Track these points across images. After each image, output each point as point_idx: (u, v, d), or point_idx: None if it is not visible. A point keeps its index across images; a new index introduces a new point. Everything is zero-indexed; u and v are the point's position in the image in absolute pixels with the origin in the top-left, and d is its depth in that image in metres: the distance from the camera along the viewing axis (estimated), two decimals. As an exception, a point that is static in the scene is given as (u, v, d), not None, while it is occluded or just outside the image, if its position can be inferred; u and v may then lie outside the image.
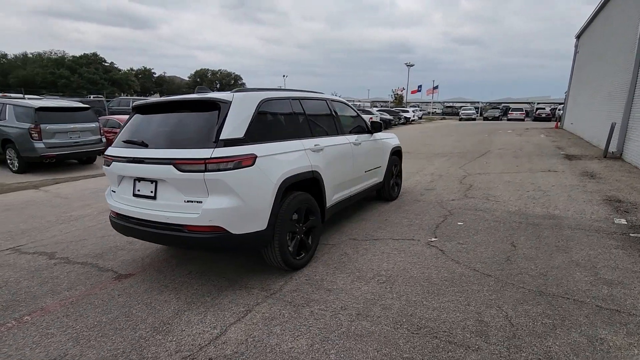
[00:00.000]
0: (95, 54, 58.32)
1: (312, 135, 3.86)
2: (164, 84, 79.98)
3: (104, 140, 10.63)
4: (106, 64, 58.95)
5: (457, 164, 9.72)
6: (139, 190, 3.12)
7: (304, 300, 2.93)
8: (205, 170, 2.72)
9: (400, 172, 6.39)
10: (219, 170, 2.74)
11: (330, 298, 2.95)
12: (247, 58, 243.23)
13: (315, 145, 3.76)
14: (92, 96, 36.70)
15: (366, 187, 5.10)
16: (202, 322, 2.66)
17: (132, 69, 75.52)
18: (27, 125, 9.16)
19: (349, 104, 5.16)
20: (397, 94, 60.40)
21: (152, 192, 3.01)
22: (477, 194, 6.40)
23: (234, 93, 3.14)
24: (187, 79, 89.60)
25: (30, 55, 61.04)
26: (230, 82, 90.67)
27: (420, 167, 9.44)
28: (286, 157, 3.29)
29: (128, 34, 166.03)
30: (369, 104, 53.92)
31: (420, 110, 49.28)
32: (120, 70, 62.18)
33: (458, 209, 5.48)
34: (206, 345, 2.40)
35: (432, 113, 57.27)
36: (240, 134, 2.95)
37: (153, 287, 3.22)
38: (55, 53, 60.18)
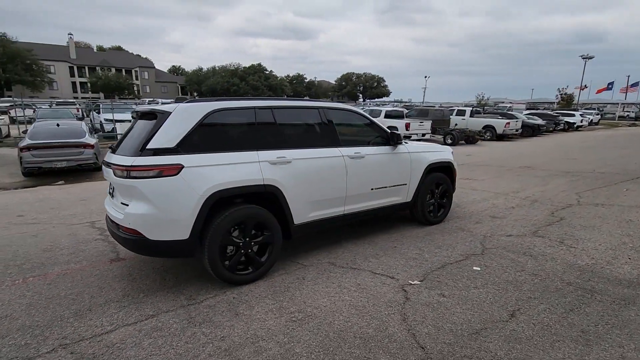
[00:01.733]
0: (259, 64, 68.82)
1: (279, 146, 3.62)
2: (313, 88, 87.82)
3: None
4: (267, 72, 68.79)
5: (578, 189, 7.43)
6: (111, 190, 3.60)
7: (202, 319, 2.82)
8: (127, 177, 2.94)
9: (447, 192, 5.32)
10: (136, 177, 2.91)
11: (227, 324, 2.75)
12: (394, 60, 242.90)
13: (278, 158, 3.53)
14: None
15: (376, 207, 4.47)
16: (110, 316, 2.89)
17: (288, 76, 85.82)
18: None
19: (361, 112, 4.60)
20: (565, 94, 49.76)
21: (111, 192, 3.43)
22: (554, 232, 4.77)
23: (181, 104, 3.26)
24: (334, 82, 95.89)
25: (217, 68, 76.58)
26: (374, 84, 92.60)
27: (520, 187, 7.65)
28: (224, 169, 3.21)
29: (292, 45, 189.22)
30: (523, 106, 46.21)
31: (598, 114, 39.26)
32: (277, 77, 71.51)
33: (501, 248, 4.21)
34: (86, 339, 2.60)
35: (625, 117, 44.73)
36: (171, 144, 3.05)
37: (122, 273, 3.66)
38: (233, 65, 73.76)
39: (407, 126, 17.40)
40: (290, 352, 2.41)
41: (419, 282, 3.36)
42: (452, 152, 5.55)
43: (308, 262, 3.90)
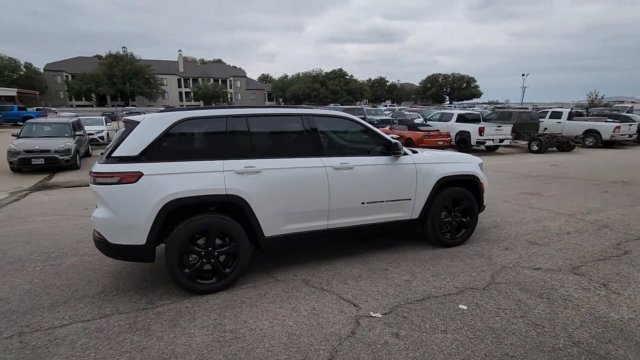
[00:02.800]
0: (340, 70, 69.93)
1: (250, 156, 3.51)
2: (394, 91, 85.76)
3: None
4: (347, 77, 69.45)
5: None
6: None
7: (142, 325, 2.86)
8: (93, 183, 3.15)
9: (470, 210, 4.58)
10: (100, 183, 3.09)
11: (159, 334, 2.74)
12: (488, 58, 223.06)
13: (245, 167, 3.43)
14: (332, 104, 44.50)
15: (371, 223, 4.06)
16: (75, 311, 3.12)
17: (369, 79, 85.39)
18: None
19: (356, 118, 4.20)
20: None
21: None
22: (603, 271, 3.73)
23: (151, 114, 3.39)
24: (418, 84, 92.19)
25: (301, 75, 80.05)
26: (462, 85, 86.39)
27: (597, 207, 6.32)
28: (183, 178, 3.22)
29: (379, 49, 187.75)
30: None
31: None
32: (357, 81, 71.66)
33: (513, 284, 3.44)
34: (41, 330, 2.84)
35: None
36: (135, 152, 3.18)
37: (116, 269, 3.96)
38: (315, 71, 76.28)
39: (481, 131, 15.76)
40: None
41: (381, 316, 2.92)
42: (481, 164, 4.77)
43: (283, 277, 3.71)
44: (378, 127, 20.28)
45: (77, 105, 57.39)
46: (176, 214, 3.25)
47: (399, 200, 4.17)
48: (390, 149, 4.06)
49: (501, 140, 16.19)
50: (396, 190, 4.13)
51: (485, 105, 55.16)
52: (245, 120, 3.61)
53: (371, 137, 4.18)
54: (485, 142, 15.93)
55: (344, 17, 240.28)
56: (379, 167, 4.05)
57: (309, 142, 3.81)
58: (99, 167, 3.12)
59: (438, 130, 16.32)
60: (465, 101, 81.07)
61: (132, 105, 60.16)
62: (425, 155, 4.47)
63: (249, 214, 3.44)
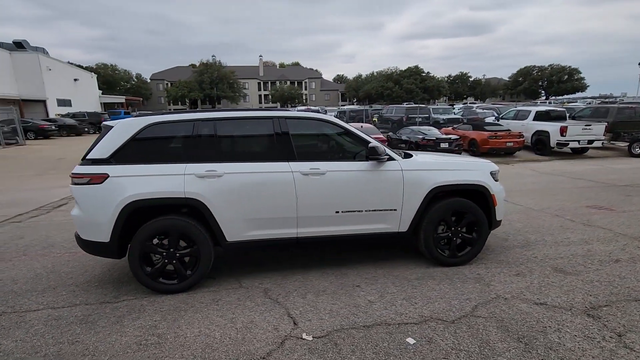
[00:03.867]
0: (416, 67, 66.84)
1: (213, 160, 3.49)
2: (478, 87, 79.13)
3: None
4: (423, 74, 66.14)
5: None
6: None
7: (93, 319, 3.04)
8: (71, 183, 3.44)
9: (477, 225, 3.93)
10: (74, 184, 3.37)
11: (98, 329, 2.87)
12: (599, 46, 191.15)
13: (207, 171, 3.43)
14: (405, 103, 42.90)
15: (349, 234, 3.74)
16: (54, 297, 3.45)
17: (449, 76, 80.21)
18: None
19: (336, 121, 3.88)
20: None
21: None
22: (629, 315, 2.86)
23: (125, 119, 3.58)
24: (507, 79, 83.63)
25: (375, 74, 78.82)
26: (563, 77, 75.77)
27: None
28: (144, 180, 3.33)
29: (464, 42, 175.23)
30: None
31: None
32: (435, 78, 67.79)
33: (495, 320, 2.83)
34: (18, 312, 3.20)
35: None
36: (105, 155, 3.40)
37: (113, 260, 4.32)
38: (390, 69, 74.32)
39: (562, 131, 13.64)
40: (90, 375, 2.34)
41: (311, 339, 2.64)
42: (495, 172, 4.06)
43: (248, 284, 3.63)
44: (444, 127, 18.81)
45: (174, 109, 65.10)
46: (140, 214, 3.39)
47: (381, 210, 3.76)
48: (368, 154, 3.67)
49: (590, 142, 13.77)
50: (377, 199, 3.73)
51: (590, 100, 47.59)
52: (213, 124, 3.61)
53: (351, 141, 3.85)
54: (568, 144, 13.71)
55: (426, 12, 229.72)
56: (357, 174, 3.70)
57: (278, 146, 3.65)
58: (75, 169, 3.41)
59: (508, 131, 14.53)
60: (566, 95, 71.17)
61: (219, 108, 65.69)
62: (418, 160, 3.96)
63: (209, 218, 3.43)
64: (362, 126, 14.66)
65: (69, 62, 42.46)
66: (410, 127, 16.05)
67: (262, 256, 4.32)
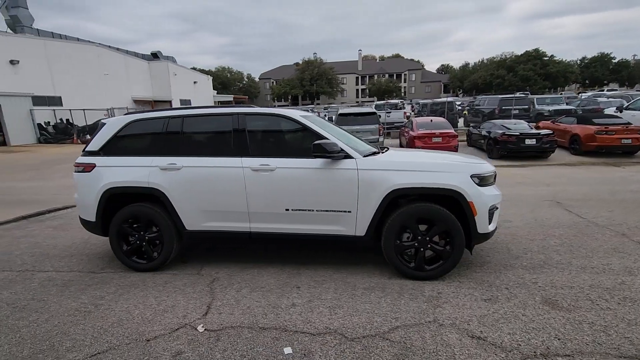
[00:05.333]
0: (536, 50, 57.85)
1: (176, 154, 3.77)
2: (623, 71, 64.37)
3: (381, 139, 12.50)
4: (545, 58, 56.85)
5: None
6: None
7: (56, 291, 3.65)
8: (74, 171, 4.14)
9: (451, 236, 3.38)
10: (75, 171, 4.07)
11: (44, 298, 3.43)
12: None
13: (168, 164, 3.74)
14: (517, 93, 37.82)
15: (302, 233, 3.64)
16: (61, 262, 4.26)
17: (584, 58, 67.32)
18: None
19: (296, 117, 3.71)
20: None
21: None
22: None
23: (118, 116, 4.13)
24: (669, 58, 66.06)
25: (485, 61, 71.18)
26: None
27: None
28: (120, 170, 3.82)
29: (610, 17, 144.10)
30: None
31: None
32: (560, 62, 57.58)
33: (397, 347, 2.42)
34: (27, 271, 4.07)
35: None
36: (96, 148, 4.01)
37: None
38: (505, 55, 66.05)
39: None
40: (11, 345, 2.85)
41: (201, 331, 2.70)
42: (480, 175, 3.41)
43: (206, 272, 3.85)
44: (545, 120, 16.44)
45: (278, 105, 70.38)
46: (118, 199, 3.91)
47: (333, 211, 3.54)
48: (312, 151, 3.45)
49: None
50: (330, 199, 3.52)
51: None
52: (181, 120, 3.90)
53: (308, 137, 3.68)
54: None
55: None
56: (308, 171, 3.54)
57: (234, 141, 3.75)
58: (76, 159, 4.11)
59: (626, 125, 11.67)
60: None
61: (317, 104, 68.67)
62: (380, 159, 3.57)
63: (169, 207, 3.76)
64: (431, 120, 13.59)
65: (193, 68, 49.84)
66: (494, 120, 14.17)
67: (244, 248, 4.50)
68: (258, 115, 3.81)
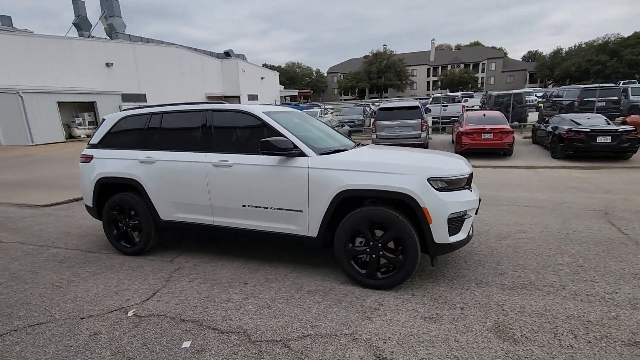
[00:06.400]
0: (650, 30, 48.57)
1: (153, 148, 4.03)
2: None
3: (423, 135, 11.75)
4: (663, 39, 47.38)
5: None
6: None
7: (62, 259, 4.17)
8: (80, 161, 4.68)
9: (403, 244, 3.09)
10: (80, 162, 4.59)
11: (49, 272, 3.93)
12: None
13: (146, 157, 4.02)
14: (621, 82, 32.30)
15: (259, 229, 3.64)
16: (78, 241, 4.87)
17: None
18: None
19: (257, 113, 3.66)
20: None
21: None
22: None
23: (116, 112, 4.54)
24: None
25: (583, 45, 62.07)
26: None
27: None
28: (110, 162, 4.22)
29: None
30: None
31: None
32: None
33: (269, 345, 2.30)
34: (43, 246, 4.72)
35: None
36: (96, 141, 4.48)
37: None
38: (609, 37, 56.82)
39: None
40: None
41: (129, 316, 2.87)
42: (442, 178, 3.03)
43: (178, 260, 4.07)
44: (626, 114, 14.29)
45: (345, 99, 70.34)
46: (109, 188, 4.33)
47: (287, 210, 3.46)
48: (260, 147, 3.38)
49: None
50: (282, 197, 3.45)
51: None
52: (161, 117, 4.16)
53: (267, 133, 3.63)
54: None
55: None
56: (263, 168, 3.51)
57: (202, 137, 3.87)
58: (82, 151, 4.64)
59: None
60: None
61: (384, 97, 67.12)
62: (334, 157, 3.37)
63: (145, 197, 4.05)
64: (484, 114, 12.36)
65: (264, 65, 52.39)
66: (563, 114, 12.36)
67: (227, 240, 4.67)
68: (224, 112, 3.87)
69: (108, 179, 4.22)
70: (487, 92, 44.03)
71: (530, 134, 14.35)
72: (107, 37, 30.94)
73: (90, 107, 22.26)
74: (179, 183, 3.88)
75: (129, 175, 4.08)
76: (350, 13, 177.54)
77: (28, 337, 2.63)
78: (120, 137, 4.37)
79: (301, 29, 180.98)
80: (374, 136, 12.23)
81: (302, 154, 3.41)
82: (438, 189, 3.02)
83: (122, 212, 4.26)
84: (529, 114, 18.93)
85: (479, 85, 68.45)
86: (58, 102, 20.24)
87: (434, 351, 2.35)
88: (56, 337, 2.61)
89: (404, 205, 3.13)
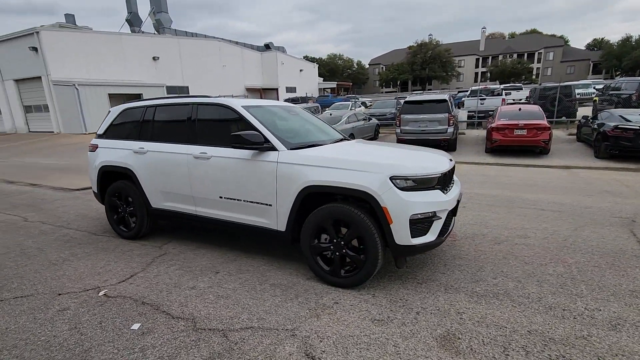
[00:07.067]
0: None
1: (146, 139, 4.25)
2: None
3: (450, 130, 11.20)
4: None
5: None
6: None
7: (69, 239, 4.56)
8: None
9: (365, 243, 3.02)
10: (88, 151, 4.96)
11: (52, 250, 4.33)
12: None
13: (139, 148, 4.26)
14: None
15: (234, 221, 3.72)
16: (88, 223, 5.30)
17: None
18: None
19: (235, 106, 3.70)
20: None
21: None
22: None
23: (119, 105, 4.83)
24: None
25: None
26: None
27: None
28: (110, 151, 4.52)
29: None
30: None
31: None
32: None
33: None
34: (59, 227, 5.18)
35: None
36: (102, 132, 4.81)
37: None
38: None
39: None
40: None
41: (100, 295, 3.09)
42: (400, 177, 2.90)
43: (166, 247, 4.28)
44: None
45: (387, 92, 68.82)
46: (110, 176, 4.65)
47: (257, 203, 3.51)
48: (230, 141, 3.45)
49: None
50: (253, 190, 3.50)
51: None
52: (154, 109, 4.36)
53: (244, 127, 3.66)
54: None
55: None
56: (237, 162, 3.57)
57: (187, 130, 4.01)
58: (91, 141, 5.01)
59: None
60: None
61: (428, 89, 64.77)
62: (304, 152, 3.33)
63: (138, 185, 4.30)
64: (520, 109, 11.49)
65: (305, 57, 52.62)
66: (612, 110, 11.17)
67: (220, 231, 4.84)
68: (206, 105, 3.98)
69: (108, 167, 4.53)
70: (540, 84, 40.78)
71: (576, 131, 13.15)
72: (155, 32, 32.74)
73: (137, 98, 23.79)
74: (166, 173, 4.07)
75: (124, 164, 4.35)
76: (396, 2, 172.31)
77: (8, 307, 2.94)
78: (121, 129, 4.65)
79: (346, 20, 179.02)
80: (398, 130, 11.88)
81: (273, 149, 3.42)
82: (401, 188, 2.89)
83: (120, 199, 4.55)
84: (579, 108, 17.29)
85: (534, 77, 63.60)
86: (109, 94, 21.91)
87: (367, 354, 2.28)
88: (30, 310, 2.89)
89: (366, 203, 3.04)
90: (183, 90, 29.34)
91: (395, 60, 69.63)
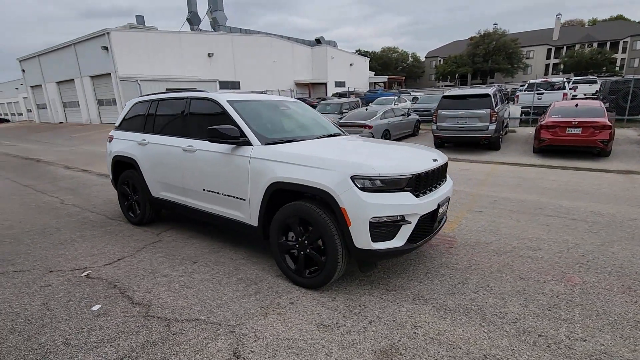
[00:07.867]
0: None
1: (148, 131, 4.49)
2: None
3: (492, 127, 10.33)
4: None
5: None
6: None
7: (86, 223, 4.99)
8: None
9: (325, 242, 2.90)
10: (107, 141, 5.36)
11: (71, 231, 4.76)
12: None
13: (142, 140, 4.51)
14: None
15: (215, 213, 3.79)
16: (107, 209, 5.77)
17: None
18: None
19: (220, 101, 3.73)
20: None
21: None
22: None
23: (133, 98, 5.15)
24: None
25: None
26: None
27: None
28: (121, 142, 4.84)
29: None
30: None
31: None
32: None
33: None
34: (81, 210, 5.69)
35: None
36: (118, 123, 5.17)
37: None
38: None
39: None
40: None
41: (83, 275, 3.33)
42: (362, 177, 2.72)
43: (162, 235, 4.49)
44: None
45: (444, 86, 65.59)
46: (121, 165, 4.99)
47: (233, 197, 3.54)
48: (207, 135, 3.46)
49: None
50: (229, 184, 3.53)
51: None
52: (157, 103, 4.58)
53: (226, 121, 3.67)
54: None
55: None
56: (217, 156, 3.62)
57: (182, 123, 4.16)
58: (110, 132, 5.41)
59: None
60: None
61: (490, 83, 60.48)
62: (274, 149, 3.25)
63: (139, 175, 4.56)
64: (577, 105, 10.20)
65: (357, 51, 51.92)
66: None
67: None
68: (197, 100, 4.08)
69: (118, 157, 4.87)
70: (623, 77, 35.82)
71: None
72: (212, 30, 34.51)
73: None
74: (163, 164, 4.26)
75: (130, 155, 4.64)
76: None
77: (4, 280, 3.30)
78: (131, 121, 4.96)
79: (406, 11, 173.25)
80: (434, 127, 11.22)
81: (249, 143, 3.41)
82: (362, 189, 2.71)
83: (129, 187, 4.87)
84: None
85: (617, 69, 56.24)
86: (167, 89, 23.61)
87: (295, 359, 2.19)
88: (20, 284, 3.21)
89: (315, 198, 2.91)
90: (235, 85, 30.61)
91: (454, 53, 65.88)
